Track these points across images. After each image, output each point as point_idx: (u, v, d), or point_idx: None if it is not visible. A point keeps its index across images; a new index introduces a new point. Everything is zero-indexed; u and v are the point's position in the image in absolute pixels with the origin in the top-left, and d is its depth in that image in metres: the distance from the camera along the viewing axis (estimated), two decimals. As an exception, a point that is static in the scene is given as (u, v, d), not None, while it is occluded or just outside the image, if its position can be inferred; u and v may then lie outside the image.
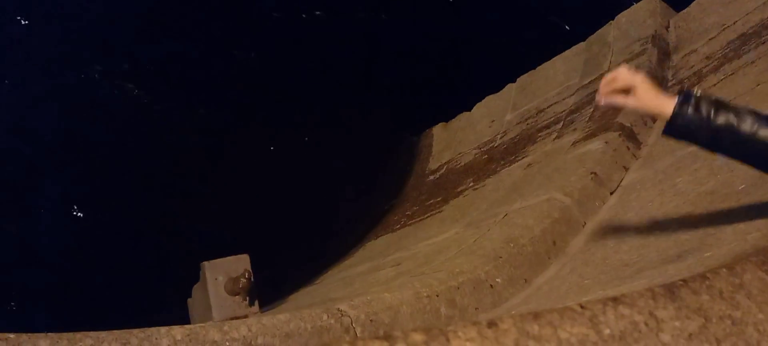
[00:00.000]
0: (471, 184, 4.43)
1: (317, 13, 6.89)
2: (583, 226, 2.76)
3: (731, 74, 3.23)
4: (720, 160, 1.99)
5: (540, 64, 4.89)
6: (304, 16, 6.84)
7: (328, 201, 5.80)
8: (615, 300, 0.58)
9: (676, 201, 2.35)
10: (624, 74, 1.52)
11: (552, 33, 6.90)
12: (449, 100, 6.07)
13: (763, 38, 3.20)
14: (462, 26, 7.15)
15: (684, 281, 0.65)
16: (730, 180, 2.13)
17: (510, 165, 4.16)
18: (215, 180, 5.79)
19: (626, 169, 3.09)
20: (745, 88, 2.95)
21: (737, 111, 1.39)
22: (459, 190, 4.51)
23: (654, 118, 3.08)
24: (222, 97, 6.26)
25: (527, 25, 7.08)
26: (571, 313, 0.56)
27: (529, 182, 3.42)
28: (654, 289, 0.59)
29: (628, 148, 3.18)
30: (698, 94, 1.43)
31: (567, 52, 4.67)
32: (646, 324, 0.57)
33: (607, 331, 0.54)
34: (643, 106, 1.50)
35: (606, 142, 3.15)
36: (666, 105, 1.44)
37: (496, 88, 5.27)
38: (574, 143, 3.49)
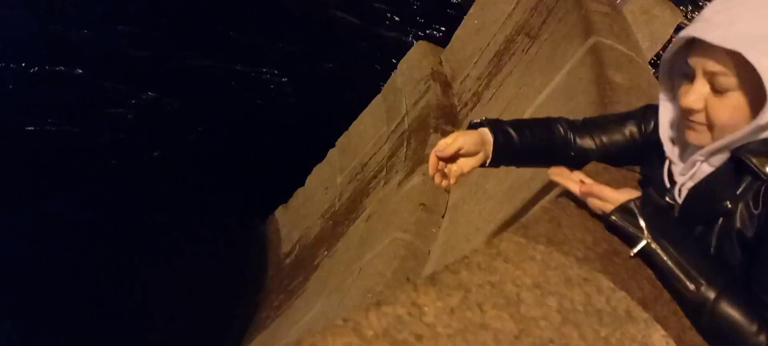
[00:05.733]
0: (325, 253, 4.55)
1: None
2: (428, 254, 3.03)
3: (500, 86, 3.84)
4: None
5: (350, 124, 5.26)
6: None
7: (187, 324, 5.46)
8: (377, 303, 0.68)
9: (489, 204, 2.71)
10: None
11: (350, 91, 7.48)
12: (280, 181, 6.20)
13: (512, 51, 3.87)
14: (267, 110, 7.42)
15: (446, 266, 0.78)
16: (520, 172, 2.55)
17: (353, 222, 4.38)
18: None
19: (448, 191, 3.47)
20: (512, 94, 3.54)
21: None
22: (316, 263, 4.59)
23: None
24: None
25: (323, 93, 7.65)
26: (334, 329, 0.66)
27: (372, 232, 3.64)
28: (415, 282, 0.71)
29: (443, 173, 3.57)
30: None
31: (369, 107, 5.10)
32: (410, 314, 0.69)
33: (370, 333, 0.63)
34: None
35: (424, 174, 3.51)
36: None
37: (321, 156, 5.53)
38: (400, 183, 3.82)
